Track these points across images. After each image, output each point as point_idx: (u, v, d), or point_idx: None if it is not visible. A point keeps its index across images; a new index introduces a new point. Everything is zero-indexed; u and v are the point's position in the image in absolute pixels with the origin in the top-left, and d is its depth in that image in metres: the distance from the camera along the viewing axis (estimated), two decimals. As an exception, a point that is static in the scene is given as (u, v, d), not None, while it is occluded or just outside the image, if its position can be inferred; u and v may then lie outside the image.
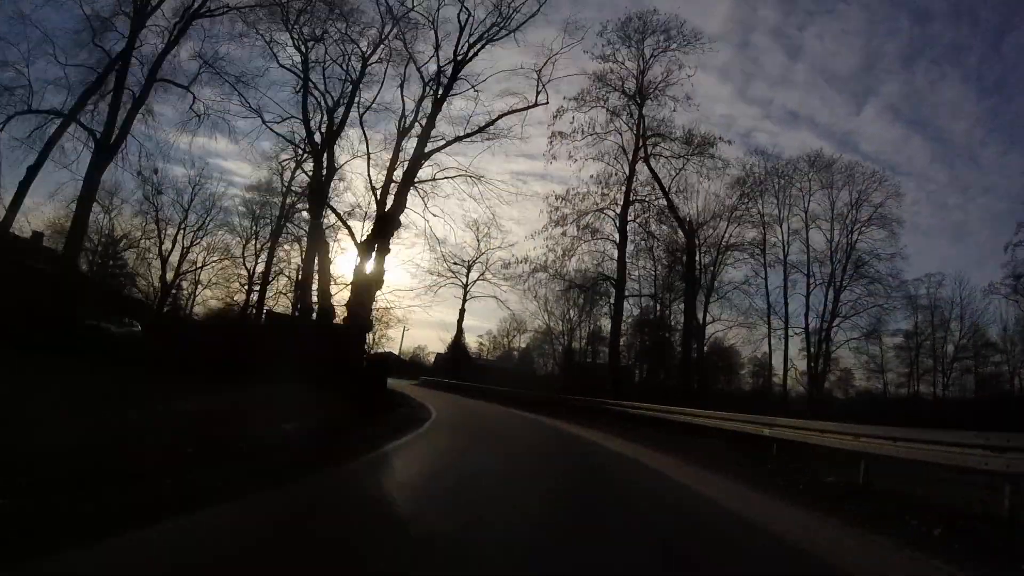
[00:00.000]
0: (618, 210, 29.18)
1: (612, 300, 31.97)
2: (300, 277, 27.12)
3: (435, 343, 78.73)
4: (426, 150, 24.91)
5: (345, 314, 22.56)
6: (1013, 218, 54.71)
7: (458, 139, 25.50)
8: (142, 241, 35.14)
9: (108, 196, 32.26)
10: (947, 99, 56.60)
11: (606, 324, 47.13)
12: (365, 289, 22.27)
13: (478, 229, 43.61)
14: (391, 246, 24.12)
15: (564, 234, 30.28)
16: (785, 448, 10.26)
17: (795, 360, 38.53)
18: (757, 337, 38.11)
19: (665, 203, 30.36)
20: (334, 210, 25.29)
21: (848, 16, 56.18)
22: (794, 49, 63.78)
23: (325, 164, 24.76)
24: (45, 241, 29.37)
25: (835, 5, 56.88)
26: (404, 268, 48.27)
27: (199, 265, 37.08)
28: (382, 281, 23.17)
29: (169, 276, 35.71)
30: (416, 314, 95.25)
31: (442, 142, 25.25)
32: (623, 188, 29.30)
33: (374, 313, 26.14)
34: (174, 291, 37.43)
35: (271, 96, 65.64)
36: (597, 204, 29.52)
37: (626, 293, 30.85)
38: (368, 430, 11.24)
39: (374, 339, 64.64)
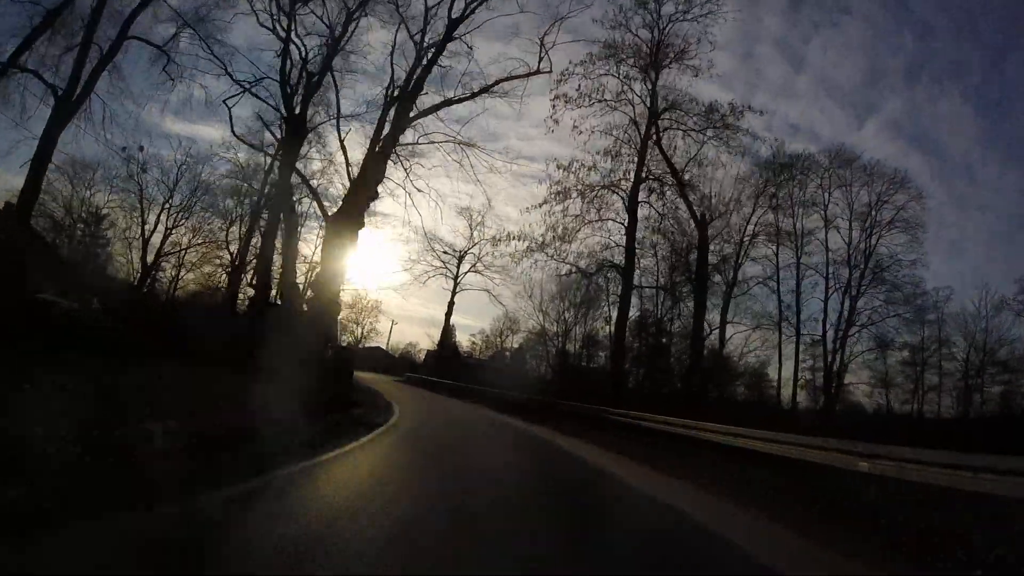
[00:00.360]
0: (628, 188, 25.84)
1: (618, 290, 28.68)
2: (259, 251, 23.63)
3: (427, 341, 75.53)
4: (412, 114, 21.83)
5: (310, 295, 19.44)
6: (1009, 237, 53.21)
7: (448, 102, 22.38)
8: (121, 218, 33.29)
9: (89, 171, 30.36)
10: (947, 116, 55.40)
11: (603, 326, 44.55)
12: (332, 268, 19.03)
13: (471, 217, 40.63)
14: (367, 222, 21.12)
15: (565, 211, 26.76)
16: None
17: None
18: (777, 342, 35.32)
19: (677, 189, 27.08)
20: (300, 173, 21.90)
21: (852, 30, 54.59)
22: (797, 61, 61.90)
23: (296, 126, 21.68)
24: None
25: (840, 18, 55.25)
26: (389, 249, 45.55)
27: (183, 247, 34.62)
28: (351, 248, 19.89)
29: (150, 258, 33.63)
30: (405, 309, 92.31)
31: (430, 106, 22.16)
32: (634, 161, 26.01)
33: (343, 296, 22.93)
34: (154, 272, 34.87)
35: (250, 59, 62.22)
36: (604, 180, 26.18)
37: (634, 284, 27.47)
38: (287, 438, 8.16)
39: (362, 332, 61.92)
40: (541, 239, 27.27)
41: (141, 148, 27.17)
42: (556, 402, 22.18)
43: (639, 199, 25.80)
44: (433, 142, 21.90)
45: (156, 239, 33.92)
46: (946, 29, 52.53)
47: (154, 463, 4.99)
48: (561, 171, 26.89)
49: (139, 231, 33.23)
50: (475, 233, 41.61)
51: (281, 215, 21.01)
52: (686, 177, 27.13)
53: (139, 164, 30.05)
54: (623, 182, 25.82)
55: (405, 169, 21.83)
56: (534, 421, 18.08)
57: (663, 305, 41.60)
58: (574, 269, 28.01)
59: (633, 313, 31.99)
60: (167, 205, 33.52)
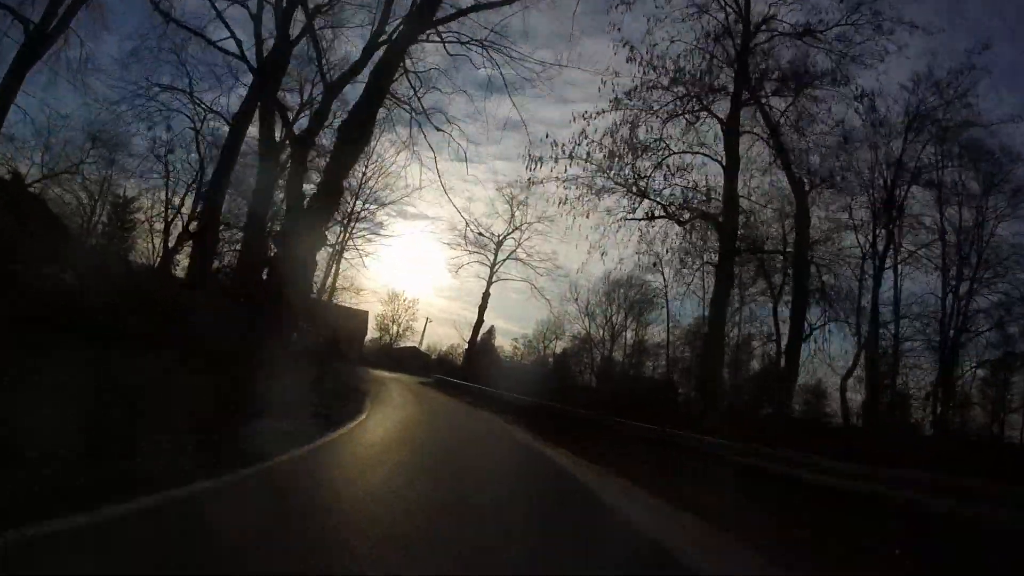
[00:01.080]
0: (725, 114, 18.63)
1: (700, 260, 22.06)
2: (210, 181, 17.09)
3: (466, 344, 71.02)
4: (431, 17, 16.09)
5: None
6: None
7: (477, 7, 16.51)
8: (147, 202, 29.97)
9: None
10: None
11: (653, 333, 38.38)
12: (301, 215, 13.22)
13: (512, 198, 35.75)
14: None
15: (634, 130, 19.05)
16: None
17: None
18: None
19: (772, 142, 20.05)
20: (265, 72, 15.22)
21: (907, 41, 49.75)
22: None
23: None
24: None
25: (893, 27, 50.95)
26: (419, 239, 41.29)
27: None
28: (336, 205, 14.06)
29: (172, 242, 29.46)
30: (448, 312, 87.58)
31: (453, 10, 16.37)
32: (728, 89, 18.82)
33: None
34: (175, 256, 30.91)
35: None
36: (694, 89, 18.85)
37: (740, 246, 19.38)
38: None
39: (398, 331, 57.49)
40: (603, 158, 19.33)
41: (168, 128, 23.47)
42: (615, 422, 15.67)
43: (740, 129, 18.71)
44: (460, 41, 15.77)
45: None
46: (1002, 34, 47.40)
47: None
48: (636, 65, 19.02)
49: (162, 212, 29.04)
50: (517, 214, 37.07)
51: (258, 143, 15.03)
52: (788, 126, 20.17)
53: (166, 146, 25.93)
54: (722, 95, 18.59)
55: (414, 87, 15.89)
56: (585, 454, 11.40)
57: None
58: (659, 211, 19.54)
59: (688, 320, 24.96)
60: (194, 185, 28.28)
